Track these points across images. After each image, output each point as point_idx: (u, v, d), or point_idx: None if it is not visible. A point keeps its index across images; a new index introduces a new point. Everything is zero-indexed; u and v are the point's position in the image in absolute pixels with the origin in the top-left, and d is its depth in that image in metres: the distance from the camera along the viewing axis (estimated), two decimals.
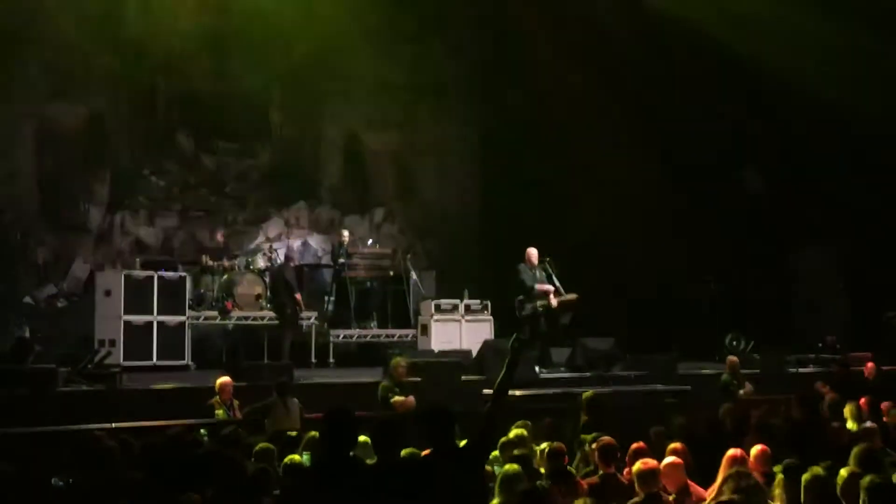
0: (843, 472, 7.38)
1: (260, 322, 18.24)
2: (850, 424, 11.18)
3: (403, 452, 7.36)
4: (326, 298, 18.98)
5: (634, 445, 9.06)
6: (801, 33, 18.88)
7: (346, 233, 19.17)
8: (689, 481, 8.42)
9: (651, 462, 8.20)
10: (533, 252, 17.08)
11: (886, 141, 19.27)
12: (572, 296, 17.02)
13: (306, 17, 19.63)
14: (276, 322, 17.62)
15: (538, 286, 16.82)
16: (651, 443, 9.71)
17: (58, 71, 18.82)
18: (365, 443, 7.65)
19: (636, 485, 8.12)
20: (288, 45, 19.97)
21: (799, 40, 18.91)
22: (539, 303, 16.73)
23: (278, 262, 19.03)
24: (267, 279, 18.39)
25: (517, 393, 13.89)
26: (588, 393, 11.96)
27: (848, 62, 18.72)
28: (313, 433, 8.96)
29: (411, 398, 13.53)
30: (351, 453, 6.73)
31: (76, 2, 18.31)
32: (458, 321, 18.62)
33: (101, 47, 18.66)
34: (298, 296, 17.04)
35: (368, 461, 7.06)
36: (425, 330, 18.49)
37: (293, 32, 19.80)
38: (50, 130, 19.11)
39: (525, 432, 9.95)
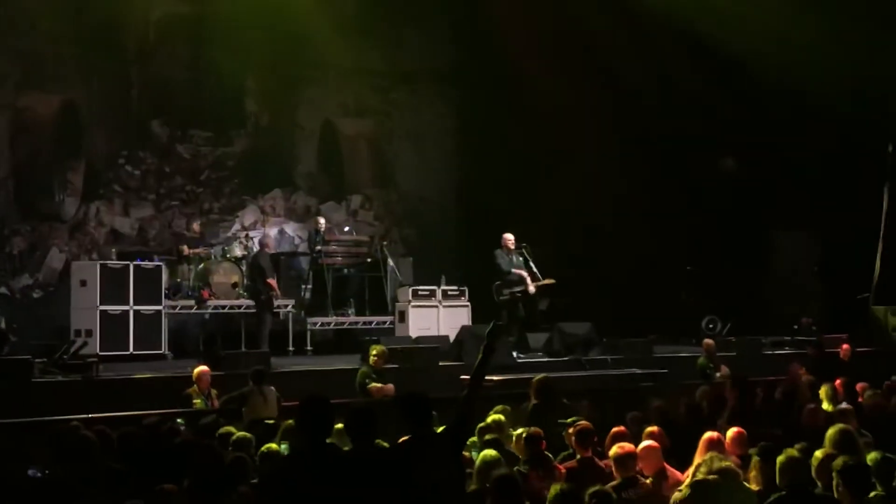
0: (819, 453, 7.43)
1: (237, 311, 18.20)
2: (826, 406, 11.24)
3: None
4: (303, 286, 18.94)
5: (614, 430, 9.10)
6: (777, 19, 18.95)
7: (322, 220, 19.10)
8: (666, 464, 8.46)
9: (628, 446, 8.24)
10: (509, 237, 17.12)
11: (860, 123, 19.36)
12: (549, 281, 17.07)
13: (280, 3, 19.54)
14: (254, 310, 17.61)
15: (514, 271, 16.86)
16: (628, 428, 9.76)
17: (30, 60, 18.66)
18: (342, 430, 7.65)
19: (613, 468, 8.16)
20: (262, 32, 19.83)
21: (775, 26, 18.99)
22: (516, 288, 16.77)
23: (255, 249, 19.03)
24: (243, 267, 18.37)
25: (495, 378, 13.93)
26: (538, 377, 11.88)
27: (827, 49, 18.77)
28: (290, 421, 8.95)
29: (390, 385, 13.54)
30: (328, 440, 6.73)
31: None
32: (436, 307, 18.63)
33: (73, 35, 18.55)
34: (272, 281, 17.03)
35: (346, 448, 7.05)
36: (403, 316, 18.50)
37: (268, 19, 19.68)
38: (23, 120, 18.96)
39: (503, 418, 9.97)
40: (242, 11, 19.45)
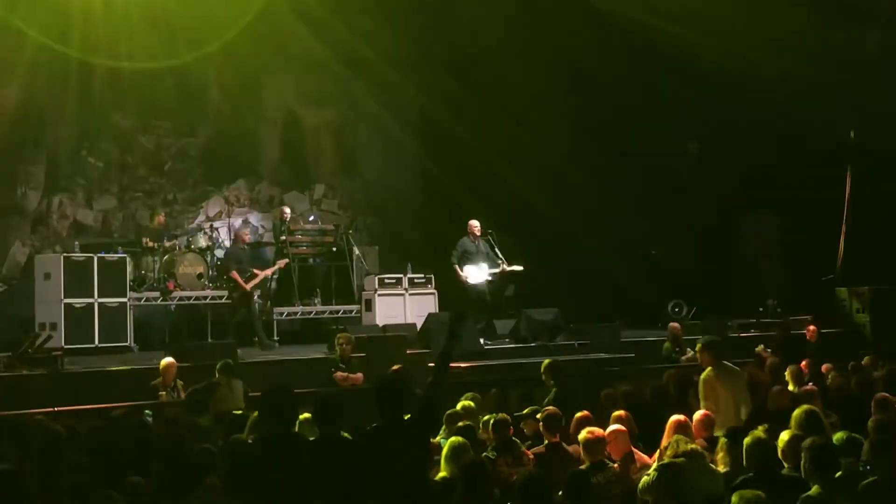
0: (785, 434, 7.48)
1: (202, 301, 18.12)
2: (791, 387, 11.31)
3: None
4: (269, 276, 18.88)
5: (579, 414, 9.14)
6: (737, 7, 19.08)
7: (287, 209, 19.01)
8: (633, 448, 8.51)
9: (597, 431, 8.28)
10: (475, 224, 17.16)
11: (819, 109, 19.49)
12: (517, 267, 17.11)
13: None
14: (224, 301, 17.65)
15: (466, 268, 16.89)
16: (601, 406, 9.84)
17: None
18: (307, 419, 7.66)
19: (582, 453, 8.19)
20: (222, 22, 19.69)
21: (737, 13, 19.10)
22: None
23: (219, 241, 18.98)
24: (208, 258, 18.33)
25: (463, 365, 13.98)
26: (548, 361, 11.90)
27: (791, 36, 18.89)
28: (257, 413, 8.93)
29: (359, 374, 13.57)
30: (294, 430, 6.73)
31: None
32: (402, 295, 18.61)
33: (30, 27, 18.34)
34: (233, 274, 16.91)
35: (311, 437, 7.05)
36: (369, 305, 18.47)
37: (228, 9, 19.55)
38: None
39: (472, 404, 10.00)
40: (203, 2, 19.33)
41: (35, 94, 19.21)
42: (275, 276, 18.23)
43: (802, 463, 6.76)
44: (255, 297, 17.33)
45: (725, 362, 10.58)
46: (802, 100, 19.19)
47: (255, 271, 17.18)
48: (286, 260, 17.90)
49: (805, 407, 8.27)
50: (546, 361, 11.86)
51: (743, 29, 19.15)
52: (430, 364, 13.51)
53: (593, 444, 8.13)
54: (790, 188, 20.38)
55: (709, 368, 10.35)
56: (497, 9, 21.02)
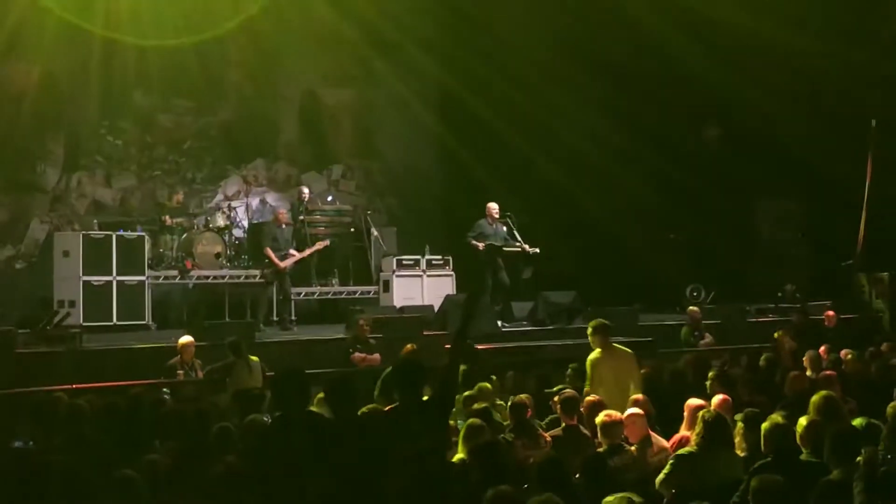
0: (803, 420, 7.45)
1: (220, 281, 18.17)
2: (810, 372, 11.28)
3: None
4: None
5: (590, 398, 9.15)
6: None
7: (305, 190, 18.98)
8: (651, 432, 8.50)
9: (614, 414, 8.27)
10: (493, 207, 17.11)
11: (844, 94, 19.39)
12: (534, 249, 17.08)
13: None
14: (240, 280, 17.64)
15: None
16: None
17: (8, 30, 18.46)
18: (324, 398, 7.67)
19: (599, 436, 8.18)
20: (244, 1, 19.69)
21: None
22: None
23: (238, 220, 18.98)
24: (226, 237, 18.38)
25: (479, 347, 13.95)
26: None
27: (817, 23, 18.79)
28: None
29: (377, 355, 13.58)
30: (310, 409, 6.74)
31: None
32: (420, 277, 18.61)
33: (53, 3, 18.34)
34: (267, 250, 16.74)
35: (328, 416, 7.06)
36: (387, 286, 18.47)
37: None
38: (3, 91, 18.82)
39: (489, 386, 10.01)
40: None
41: (56, 72, 19.21)
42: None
43: (826, 449, 6.75)
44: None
45: (616, 345, 10.87)
46: (825, 84, 19.11)
47: (292, 251, 17.00)
48: (326, 242, 17.81)
49: (823, 392, 8.25)
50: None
51: (768, 9, 19.00)
52: (448, 346, 13.59)
53: (611, 427, 8.13)
54: (810, 173, 20.28)
55: (597, 350, 10.56)
56: None
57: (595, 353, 10.55)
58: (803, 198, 21.23)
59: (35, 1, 18.12)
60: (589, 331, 10.89)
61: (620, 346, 10.93)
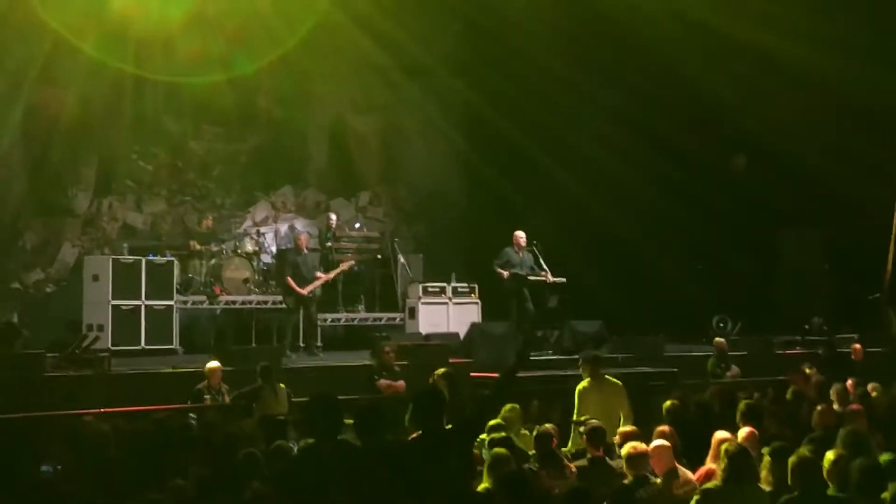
0: (830, 454, 7.42)
1: (248, 306, 18.24)
2: (837, 406, 11.22)
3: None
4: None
5: (622, 429, 9.14)
6: (796, 17, 18.92)
7: (333, 216, 19.07)
8: (677, 463, 8.48)
9: (640, 445, 8.26)
10: (520, 235, 17.14)
11: (871, 123, 19.32)
12: (560, 279, 17.09)
13: (291, 1, 19.54)
14: (267, 306, 17.71)
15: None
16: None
17: (44, 56, 18.62)
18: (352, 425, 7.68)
19: (625, 467, 8.17)
20: (280, 33, 19.80)
21: (793, 24, 18.95)
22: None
23: (266, 246, 19.08)
24: (254, 263, 18.45)
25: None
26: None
27: (843, 49, 18.73)
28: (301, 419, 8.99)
29: (401, 382, 13.58)
30: (339, 437, 6.76)
31: None
32: (446, 304, 18.65)
33: (86, 31, 18.51)
34: (288, 279, 16.84)
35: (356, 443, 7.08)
36: (413, 313, 18.51)
37: (286, 20, 19.65)
38: (36, 116, 18.99)
39: (514, 415, 10.00)
40: (253, 8, 19.45)
41: (89, 97, 19.34)
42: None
43: (852, 483, 6.73)
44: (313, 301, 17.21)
45: (607, 376, 11.28)
46: (849, 112, 19.06)
47: (318, 274, 17.02)
48: (351, 262, 17.90)
49: (851, 426, 8.22)
50: None
51: (794, 33, 18.98)
52: (473, 374, 13.65)
53: (637, 459, 8.11)
54: (837, 203, 20.21)
55: (586, 380, 11.01)
56: (546, 14, 21.00)
57: (583, 383, 11.01)
58: (830, 228, 21.12)
59: (69, 30, 18.28)
60: (579, 361, 11.21)
61: (610, 378, 11.26)
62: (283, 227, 21.10)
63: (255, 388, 12.22)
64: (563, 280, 17.16)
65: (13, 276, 18.75)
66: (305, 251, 17.13)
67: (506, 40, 21.71)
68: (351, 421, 7.55)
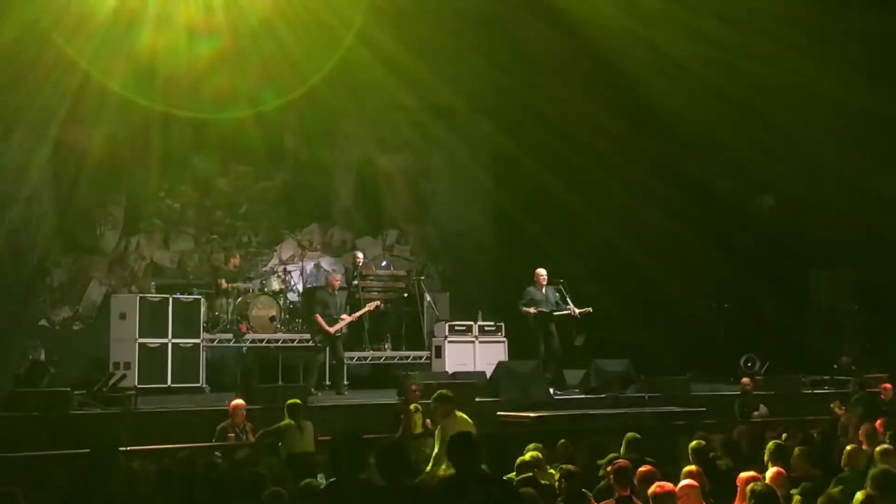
0: (860, 494, 7.36)
1: (274, 344, 18.26)
2: (866, 446, 11.12)
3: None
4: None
5: (643, 469, 9.07)
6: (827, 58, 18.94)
7: (360, 254, 19.13)
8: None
9: (667, 485, 8.18)
10: (541, 273, 17.23)
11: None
12: (587, 309, 17.11)
13: (318, 39, 19.62)
14: (292, 344, 17.74)
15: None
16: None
17: (72, 95, 18.77)
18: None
19: None
20: (305, 70, 19.90)
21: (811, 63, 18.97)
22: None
23: (292, 284, 19.09)
24: (281, 301, 18.48)
25: (531, 415, 13.91)
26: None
27: (868, 82, 18.71)
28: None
29: (427, 421, 13.53)
30: (363, 475, 6.74)
31: (88, 26, 18.29)
32: (472, 342, 18.59)
33: (113, 69, 18.68)
34: (317, 317, 16.86)
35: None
36: (439, 351, 18.47)
37: (306, 54, 19.76)
38: (66, 154, 19.15)
39: (540, 455, 9.94)
40: (280, 47, 19.57)
41: (117, 136, 19.51)
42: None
43: None
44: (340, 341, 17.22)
45: (459, 413, 11.17)
46: (877, 152, 19.00)
47: (343, 316, 17.14)
48: (377, 302, 17.95)
49: (881, 466, 8.14)
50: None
51: (818, 74, 18.97)
52: (500, 413, 13.63)
53: (664, 499, 8.04)
54: (867, 243, 20.10)
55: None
56: (573, 55, 21.06)
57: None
58: (859, 267, 21.00)
59: (96, 68, 18.45)
60: (431, 401, 11.48)
61: (463, 415, 11.17)
62: (310, 266, 21.14)
63: (281, 426, 12.22)
64: (590, 310, 17.18)
65: (41, 313, 18.88)
66: (336, 291, 17.19)
67: (534, 81, 21.78)
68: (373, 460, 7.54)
